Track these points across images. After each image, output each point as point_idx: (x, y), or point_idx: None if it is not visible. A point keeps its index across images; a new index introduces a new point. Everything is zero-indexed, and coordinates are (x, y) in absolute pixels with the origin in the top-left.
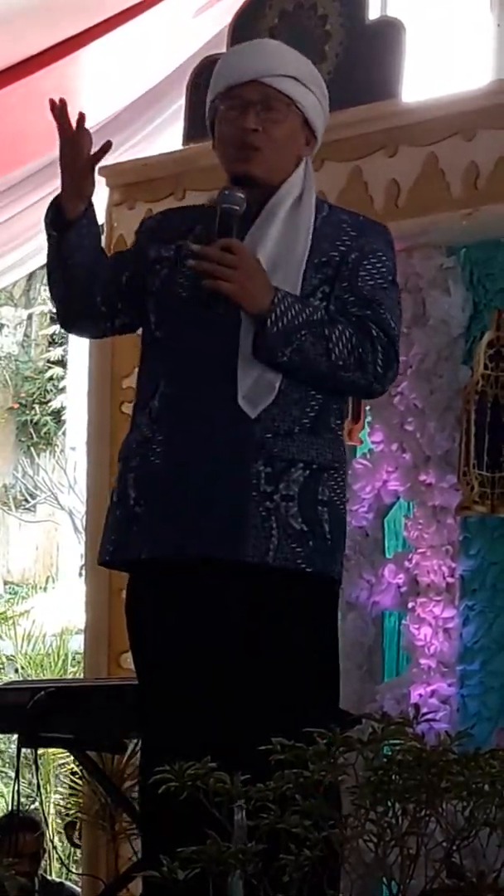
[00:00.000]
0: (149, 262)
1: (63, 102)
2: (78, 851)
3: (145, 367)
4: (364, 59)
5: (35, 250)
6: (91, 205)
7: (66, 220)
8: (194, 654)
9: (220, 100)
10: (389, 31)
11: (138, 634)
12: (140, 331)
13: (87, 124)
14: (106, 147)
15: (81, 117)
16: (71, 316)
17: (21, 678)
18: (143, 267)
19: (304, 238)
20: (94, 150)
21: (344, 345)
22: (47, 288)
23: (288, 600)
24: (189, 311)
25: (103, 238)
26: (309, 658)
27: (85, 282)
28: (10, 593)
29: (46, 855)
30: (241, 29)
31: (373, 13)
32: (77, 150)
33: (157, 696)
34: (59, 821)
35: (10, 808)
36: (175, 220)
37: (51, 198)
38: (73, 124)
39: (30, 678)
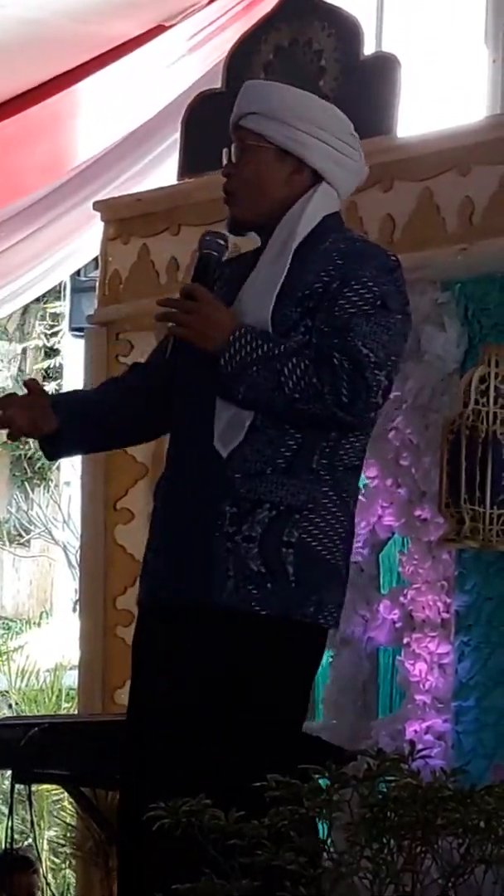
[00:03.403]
0: None
1: None
2: (72, 888)
3: None
4: (359, 94)
5: (29, 283)
6: (60, 410)
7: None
8: (160, 696)
9: None
10: (385, 66)
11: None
12: None
13: (81, 159)
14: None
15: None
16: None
17: (15, 714)
18: None
19: (277, 273)
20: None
21: (299, 377)
22: (43, 323)
23: (244, 643)
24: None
25: (98, 273)
26: (266, 702)
27: (124, 434)
28: (3, 628)
29: (40, 892)
30: (237, 64)
31: (368, 48)
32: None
33: (128, 735)
34: (53, 857)
35: (3, 844)
36: None
37: (45, 230)
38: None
39: (24, 714)
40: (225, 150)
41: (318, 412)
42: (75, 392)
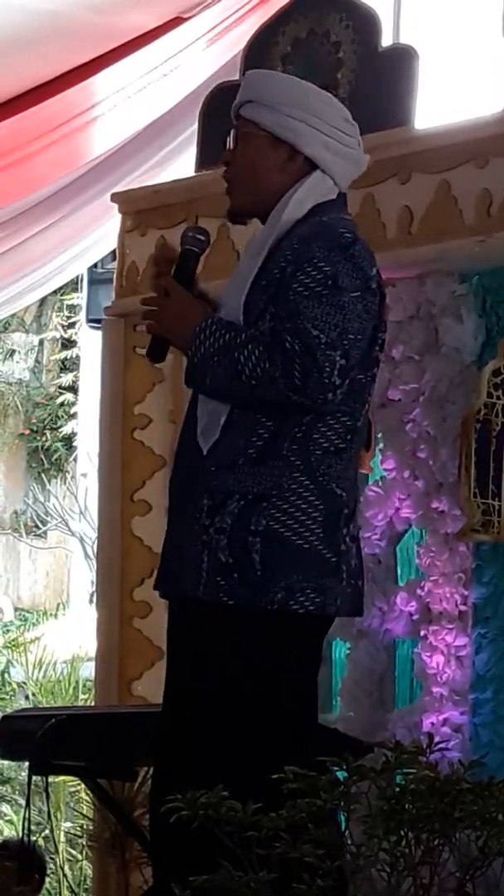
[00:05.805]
0: None
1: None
2: (88, 879)
3: None
4: (377, 86)
5: (46, 276)
6: None
7: None
8: (168, 689)
9: None
10: (402, 58)
11: None
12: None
13: (98, 151)
14: None
15: None
16: None
17: (32, 705)
18: None
19: (255, 262)
20: None
21: (255, 363)
22: (60, 315)
23: (218, 634)
24: None
25: (116, 264)
26: (252, 691)
27: None
28: (20, 620)
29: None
30: (254, 56)
31: (386, 40)
32: None
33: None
34: (69, 849)
35: (20, 835)
36: None
37: (63, 222)
38: None
39: (41, 705)
40: (228, 139)
41: (275, 396)
42: None
